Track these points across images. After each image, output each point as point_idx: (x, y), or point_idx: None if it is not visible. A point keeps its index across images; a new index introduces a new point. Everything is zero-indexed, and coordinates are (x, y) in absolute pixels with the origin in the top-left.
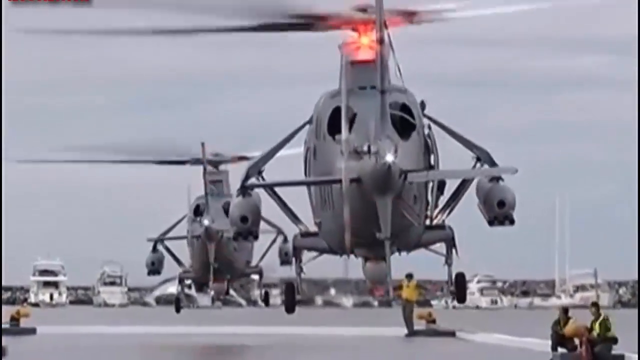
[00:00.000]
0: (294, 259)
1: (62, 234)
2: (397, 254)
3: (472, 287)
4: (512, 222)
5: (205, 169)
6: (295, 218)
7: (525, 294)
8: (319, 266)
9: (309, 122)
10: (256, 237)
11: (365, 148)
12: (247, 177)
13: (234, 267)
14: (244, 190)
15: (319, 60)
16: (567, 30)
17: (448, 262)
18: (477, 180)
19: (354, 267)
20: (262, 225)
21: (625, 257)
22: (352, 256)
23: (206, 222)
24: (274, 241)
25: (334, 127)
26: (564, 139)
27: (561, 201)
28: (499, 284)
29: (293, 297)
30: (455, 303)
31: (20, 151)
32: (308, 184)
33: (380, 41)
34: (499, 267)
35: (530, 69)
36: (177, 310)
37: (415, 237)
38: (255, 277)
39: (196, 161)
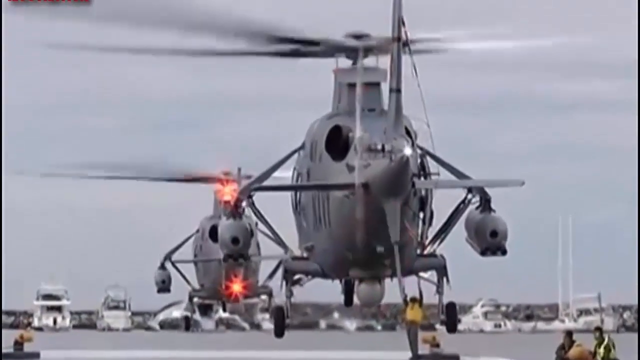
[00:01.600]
0: (284, 282)
1: (65, 258)
2: (389, 280)
3: (476, 311)
4: (504, 252)
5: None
6: (283, 243)
7: (528, 318)
8: (323, 290)
9: (300, 149)
10: (246, 259)
11: (380, 146)
12: (238, 199)
13: (250, 287)
14: (236, 211)
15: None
16: (567, 55)
17: (439, 290)
18: (468, 212)
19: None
20: (270, 248)
21: (630, 281)
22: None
23: None
24: (281, 262)
25: (332, 146)
26: (567, 162)
27: (564, 224)
28: (503, 308)
29: (282, 321)
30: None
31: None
32: (314, 188)
33: (397, 39)
34: (503, 291)
35: (532, 93)
36: (187, 328)
37: (410, 260)
38: (264, 297)
39: (206, 179)
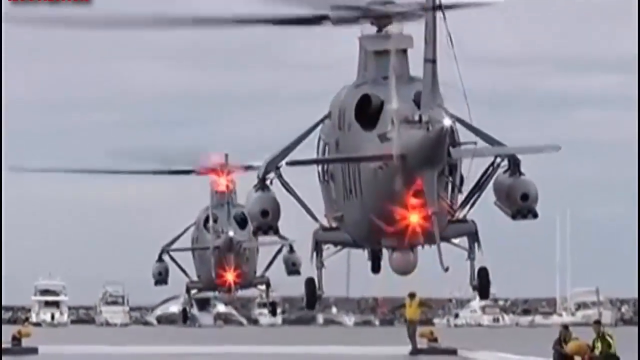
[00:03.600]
0: (314, 254)
1: (63, 253)
2: (421, 248)
3: (474, 305)
4: (535, 215)
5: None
6: (313, 215)
7: (526, 312)
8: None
9: (325, 118)
10: (277, 232)
11: (417, 117)
12: (266, 172)
13: (245, 277)
14: (264, 184)
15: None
16: (569, 48)
17: (471, 256)
18: (497, 176)
19: (355, 285)
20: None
21: (628, 274)
22: (352, 273)
23: (231, 233)
24: (279, 251)
25: (362, 115)
26: (564, 157)
27: (562, 218)
28: (501, 302)
29: (314, 293)
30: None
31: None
32: (348, 160)
33: (432, 7)
34: (501, 285)
35: (531, 88)
36: (185, 320)
37: (442, 228)
38: (262, 287)
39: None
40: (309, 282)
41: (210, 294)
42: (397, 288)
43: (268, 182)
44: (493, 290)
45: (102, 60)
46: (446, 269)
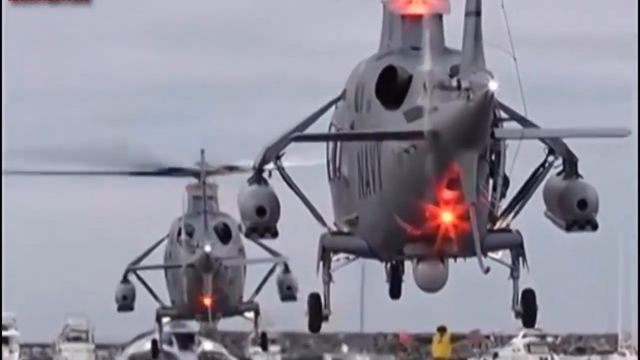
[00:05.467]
0: (321, 264)
1: (14, 278)
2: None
3: (517, 342)
4: (594, 227)
5: (203, 181)
6: (319, 216)
7: (581, 351)
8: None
9: (338, 99)
10: (275, 235)
11: (454, 83)
12: (264, 161)
13: (228, 303)
14: (260, 175)
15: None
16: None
17: (514, 275)
18: (548, 178)
19: (370, 319)
20: (256, 252)
21: None
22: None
23: (208, 248)
24: (271, 271)
25: (385, 91)
26: (633, 154)
27: (626, 240)
28: (549, 339)
29: (319, 312)
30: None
31: None
32: (369, 138)
33: None
34: (550, 317)
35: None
36: (154, 355)
37: (481, 236)
38: (250, 315)
39: (176, 171)
40: (313, 299)
41: (194, 326)
42: (423, 321)
43: (266, 174)
44: (540, 324)
45: (56, 42)
46: (486, 270)
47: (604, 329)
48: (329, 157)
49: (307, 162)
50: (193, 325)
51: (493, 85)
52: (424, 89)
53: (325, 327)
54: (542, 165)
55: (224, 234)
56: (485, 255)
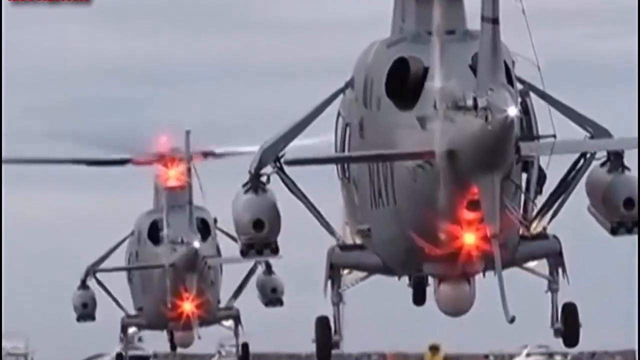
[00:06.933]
0: (329, 283)
1: None
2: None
3: None
4: None
5: (191, 165)
6: (328, 225)
7: None
8: (300, 336)
9: (346, 87)
10: (275, 252)
11: (470, 102)
12: (261, 165)
13: (209, 309)
14: (258, 182)
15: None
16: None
17: (552, 287)
18: (591, 170)
19: (352, 334)
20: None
21: None
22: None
23: (197, 244)
24: (251, 271)
25: (396, 88)
26: None
27: None
28: (558, 358)
29: (328, 338)
30: None
31: None
32: (373, 160)
33: None
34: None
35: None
36: None
37: (511, 249)
38: (229, 323)
39: (142, 159)
40: (322, 323)
41: (147, 349)
42: (413, 339)
43: (264, 179)
44: (546, 340)
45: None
46: (511, 320)
47: (619, 345)
48: (338, 149)
49: (314, 139)
50: (146, 348)
51: (512, 111)
52: (435, 108)
53: (297, 346)
54: (583, 156)
55: (202, 230)
56: (519, 265)
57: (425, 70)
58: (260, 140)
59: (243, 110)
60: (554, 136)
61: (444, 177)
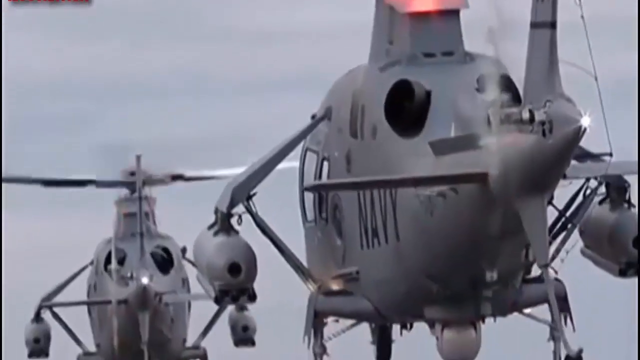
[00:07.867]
0: (311, 333)
1: None
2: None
3: None
4: None
5: (140, 194)
6: (303, 270)
7: None
8: None
9: (319, 120)
10: (253, 298)
11: (526, 115)
12: (232, 204)
13: (169, 349)
14: (229, 224)
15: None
16: None
17: (555, 335)
18: (591, 208)
19: None
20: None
21: None
22: None
23: (145, 280)
24: (222, 308)
25: (398, 112)
26: None
27: None
28: None
29: None
30: None
31: None
32: (417, 183)
33: None
34: None
35: None
36: None
37: (515, 290)
38: None
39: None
40: None
41: None
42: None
43: (235, 220)
44: None
45: None
46: (579, 351)
47: None
48: (301, 194)
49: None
50: None
51: (586, 121)
52: (489, 124)
53: None
54: (582, 191)
55: (164, 262)
56: (519, 311)
57: (428, 93)
58: (226, 162)
59: (202, 129)
60: (610, 154)
61: (480, 201)
